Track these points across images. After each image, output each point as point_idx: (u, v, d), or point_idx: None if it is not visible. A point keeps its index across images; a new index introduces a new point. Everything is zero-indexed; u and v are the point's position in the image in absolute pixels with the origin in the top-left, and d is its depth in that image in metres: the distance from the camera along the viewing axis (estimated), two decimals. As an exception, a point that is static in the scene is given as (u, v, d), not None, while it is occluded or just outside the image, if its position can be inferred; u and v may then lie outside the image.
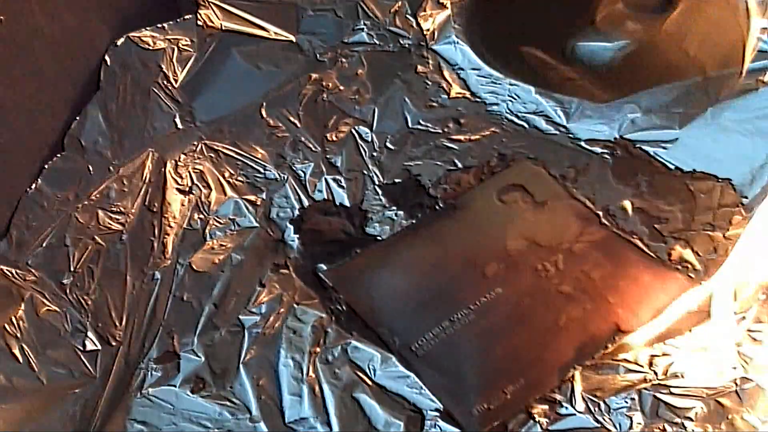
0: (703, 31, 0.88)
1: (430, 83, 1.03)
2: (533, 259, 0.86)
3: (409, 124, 1.00)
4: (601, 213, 0.90)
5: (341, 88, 1.03)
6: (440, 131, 0.99)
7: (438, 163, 0.97)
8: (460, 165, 0.96)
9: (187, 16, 1.09)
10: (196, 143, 1.00)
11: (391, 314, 0.83)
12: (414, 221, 0.91)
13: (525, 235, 0.88)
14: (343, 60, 1.05)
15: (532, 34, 0.94)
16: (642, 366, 0.79)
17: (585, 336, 0.80)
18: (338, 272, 0.87)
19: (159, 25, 1.08)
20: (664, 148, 0.93)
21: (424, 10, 1.07)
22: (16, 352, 0.86)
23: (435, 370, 0.80)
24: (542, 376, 0.78)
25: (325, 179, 0.96)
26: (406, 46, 1.06)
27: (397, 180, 0.96)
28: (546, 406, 0.78)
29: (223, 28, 1.08)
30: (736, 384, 0.77)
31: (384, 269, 0.87)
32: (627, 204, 0.90)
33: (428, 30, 1.06)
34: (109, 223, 0.95)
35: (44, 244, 0.93)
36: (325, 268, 0.88)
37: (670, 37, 0.88)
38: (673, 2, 0.90)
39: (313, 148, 0.99)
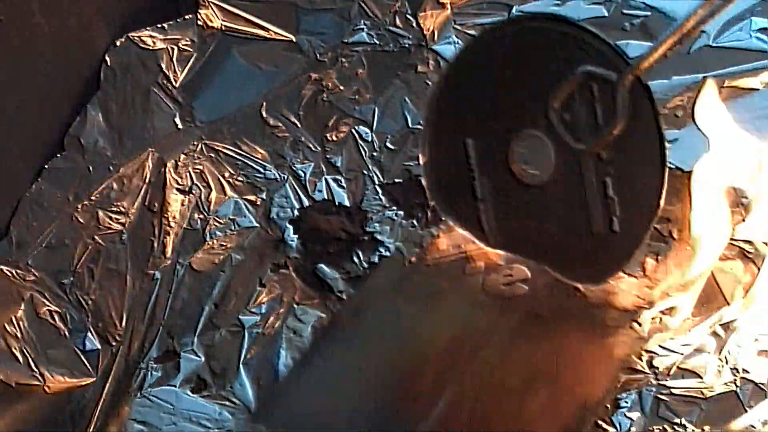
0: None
1: (430, 83, 1.03)
2: (467, 353, 0.76)
3: (409, 124, 1.00)
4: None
5: (341, 88, 1.03)
6: (440, 131, 0.99)
7: (438, 163, 0.97)
8: (460, 165, 0.96)
9: (187, 16, 1.09)
10: (196, 143, 1.00)
11: None
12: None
13: (445, 327, 0.79)
14: (343, 60, 1.05)
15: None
16: (642, 366, 0.79)
17: (558, 421, 0.75)
18: (263, 418, 0.78)
19: (159, 25, 1.08)
20: (664, 148, 0.93)
21: (424, 10, 1.06)
22: (16, 352, 0.86)
23: None
24: None
25: (325, 179, 0.96)
26: (406, 46, 1.05)
27: (397, 180, 0.96)
28: (546, 406, 0.78)
29: (223, 28, 1.08)
30: (736, 384, 0.77)
31: (308, 401, 0.76)
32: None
33: (428, 30, 1.06)
34: (109, 223, 0.95)
35: (44, 244, 0.93)
36: (247, 418, 0.79)
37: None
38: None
39: (313, 148, 0.99)
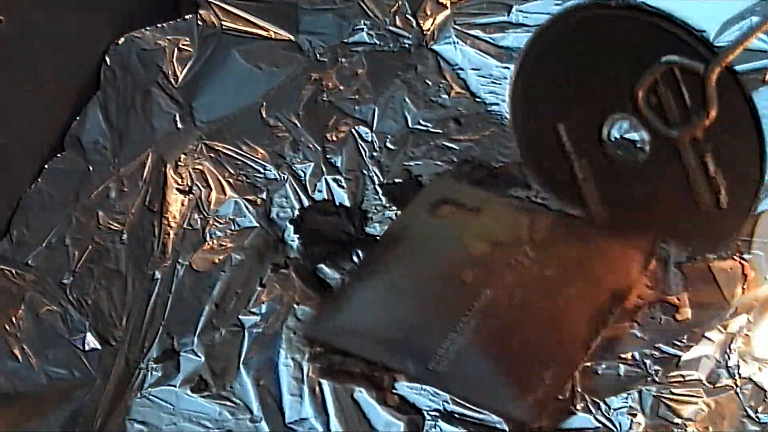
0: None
1: (430, 83, 1.03)
2: (502, 257, 0.85)
3: (409, 124, 1.00)
4: (539, 200, 0.90)
5: (341, 88, 1.03)
6: (440, 131, 0.99)
7: (438, 163, 0.97)
8: (460, 165, 0.97)
9: (187, 16, 1.09)
10: (196, 143, 1.00)
11: (391, 346, 0.81)
12: (359, 262, 0.89)
13: (481, 238, 0.87)
14: (343, 60, 1.05)
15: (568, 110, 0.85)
16: (642, 366, 0.79)
17: (590, 309, 0.81)
18: (320, 326, 0.85)
19: (159, 25, 1.08)
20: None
21: (424, 11, 1.07)
22: (16, 352, 0.86)
23: (465, 380, 0.79)
24: (569, 355, 0.79)
25: (325, 179, 0.96)
26: (406, 46, 1.06)
27: (397, 180, 0.96)
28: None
29: (223, 28, 1.08)
30: (736, 384, 0.77)
31: (362, 310, 0.85)
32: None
33: (428, 30, 1.06)
34: (109, 223, 0.95)
35: (44, 244, 0.93)
36: (303, 326, 0.85)
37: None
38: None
39: (313, 148, 0.99)
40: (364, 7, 1.08)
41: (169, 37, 1.07)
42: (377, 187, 0.95)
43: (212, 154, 0.99)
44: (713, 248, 0.83)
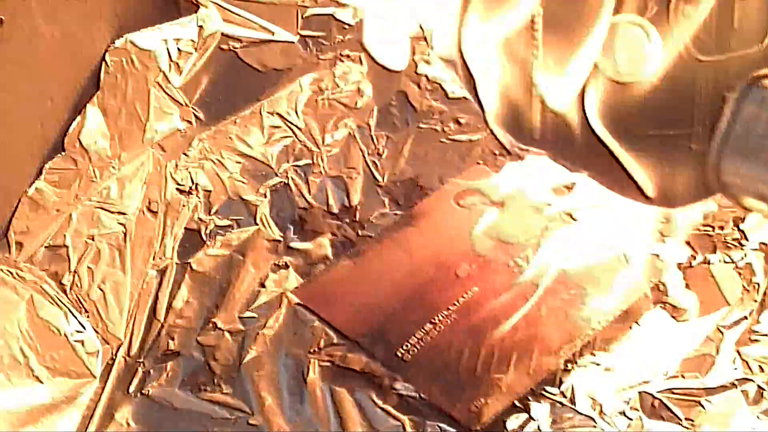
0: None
1: (430, 83, 1.03)
2: (503, 257, 0.87)
3: (409, 124, 1.00)
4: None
5: (341, 88, 1.03)
6: (440, 131, 0.99)
7: (438, 162, 0.97)
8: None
9: (187, 16, 1.09)
10: (196, 143, 1.00)
11: (369, 325, 0.83)
12: (373, 234, 0.91)
13: (490, 234, 0.89)
14: (343, 60, 1.05)
15: None
16: (642, 366, 0.79)
17: (567, 323, 0.81)
18: (307, 290, 0.87)
19: (159, 25, 1.08)
20: (664, 148, 0.93)
21: (424, 10, 1.07)
22: (16, 352, 0.86)
23: (425, 373, 0.80)
24: (533, 366, 0.79)
25: (325, 179, 0.96)
26: (406, 46, 1.06)
27: (397, 180, 0.96)
28: (546, 406, 0.78)
29: (223, 28, 1.08)
30: (736, 384, 0.77)
31: (354, 282, 0.87)
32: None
33: (428, 30, 1.06)
34: (109, 223, 0.95)
35: (44, 244, 0.93)
36: (294, 287, 0.88)
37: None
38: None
39: (313, 148, 0.99)
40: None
41: (169, 37, 1.07)
42: (377, 187, 0.95)
43: (212, 154, 0.99)
44: None
